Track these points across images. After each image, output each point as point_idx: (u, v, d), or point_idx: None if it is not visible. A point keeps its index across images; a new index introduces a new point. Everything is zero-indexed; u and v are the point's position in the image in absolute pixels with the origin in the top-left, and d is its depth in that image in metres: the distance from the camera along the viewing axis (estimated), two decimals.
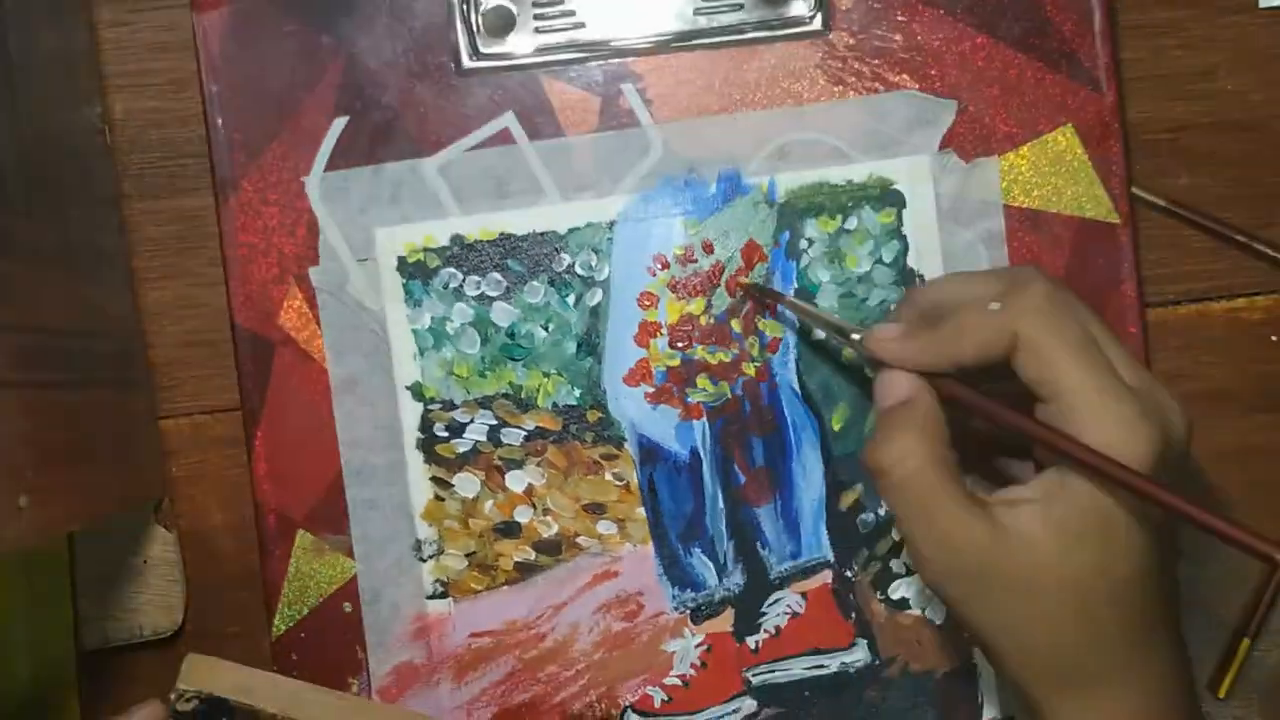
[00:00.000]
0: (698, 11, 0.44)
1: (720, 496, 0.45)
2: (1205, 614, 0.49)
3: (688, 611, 0.45)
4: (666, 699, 0.45)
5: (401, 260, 0.44)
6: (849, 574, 0.45)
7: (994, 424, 0.35)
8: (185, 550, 0.49)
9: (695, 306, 0.45)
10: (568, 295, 0.45)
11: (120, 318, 0.48)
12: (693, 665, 0.45)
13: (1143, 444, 0.33)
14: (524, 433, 0.45)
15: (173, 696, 0.43)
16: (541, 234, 0.45)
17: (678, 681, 0.45)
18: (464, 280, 0.45)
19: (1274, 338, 0.49)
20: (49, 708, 0.49)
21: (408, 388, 0.45)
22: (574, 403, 0.45)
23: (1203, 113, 0.48)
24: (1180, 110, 0.48)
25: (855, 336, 0.38)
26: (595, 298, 0.45)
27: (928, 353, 0.36)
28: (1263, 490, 0.49)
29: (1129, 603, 0.34)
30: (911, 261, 0.45)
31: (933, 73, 0.44)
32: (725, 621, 0.45)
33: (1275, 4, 0.47)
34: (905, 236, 0.45)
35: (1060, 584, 0.34)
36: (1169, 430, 0.34)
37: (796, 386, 0.45)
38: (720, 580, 0.45)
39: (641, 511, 0.45)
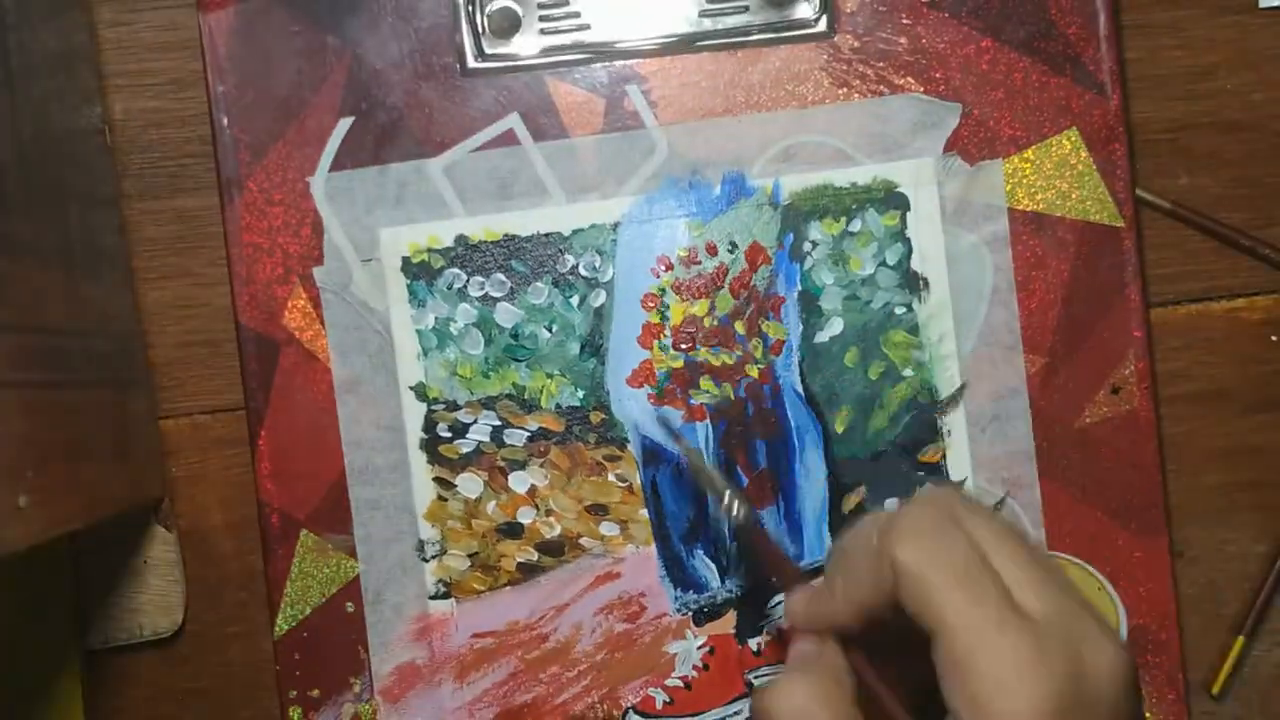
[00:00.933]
0: (703, 14, 0.44)
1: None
2: (1202, 612, 0.49)
3: (690, 613, 0.45)
4: (668, 700, 0.45)
5: (406, 261, 0.44)
6: None
7: (885, 707, 0.33)
8: (185, 550, 0.49)
9: (699, 308, 0.45)
10: (571, 296, 0.45)
11: (120, 318, 0.48)
12: (695, 667, 0.45)
13: (1041, 684, 0.29)
14: (527, 433, 0.45)
15: None
16: (546, 235, 0.45)
17: (679, 683, 0.45)
18: (468, 281, 0.45)
19: (1274, 338, 0.49)
20: (53, 707, 0.50)
21: (411, 388, 0.45)
22: (577, 404, 0.45)
23: (1202, 113, 0.48)
24: (1180, 110, 0.48)
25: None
26: (599, 299, 0.45)
27: (829, 609, 0.34)
28: (1262, 489, 0.49)
29: None
30: (915, 264, 0.45)
31: (937, 76, 0.44)
32: (727, 624, 0.45)
33: (1275, 4, 0.47)
34: (909, 239, 0.45)
35: None
36: (1082, 669, 0.30)
37: (800, 389, 0.45)
38: (723, 582, 0.45)
39: (644, 513, 0.45)
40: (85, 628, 0.49)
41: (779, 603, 0.45)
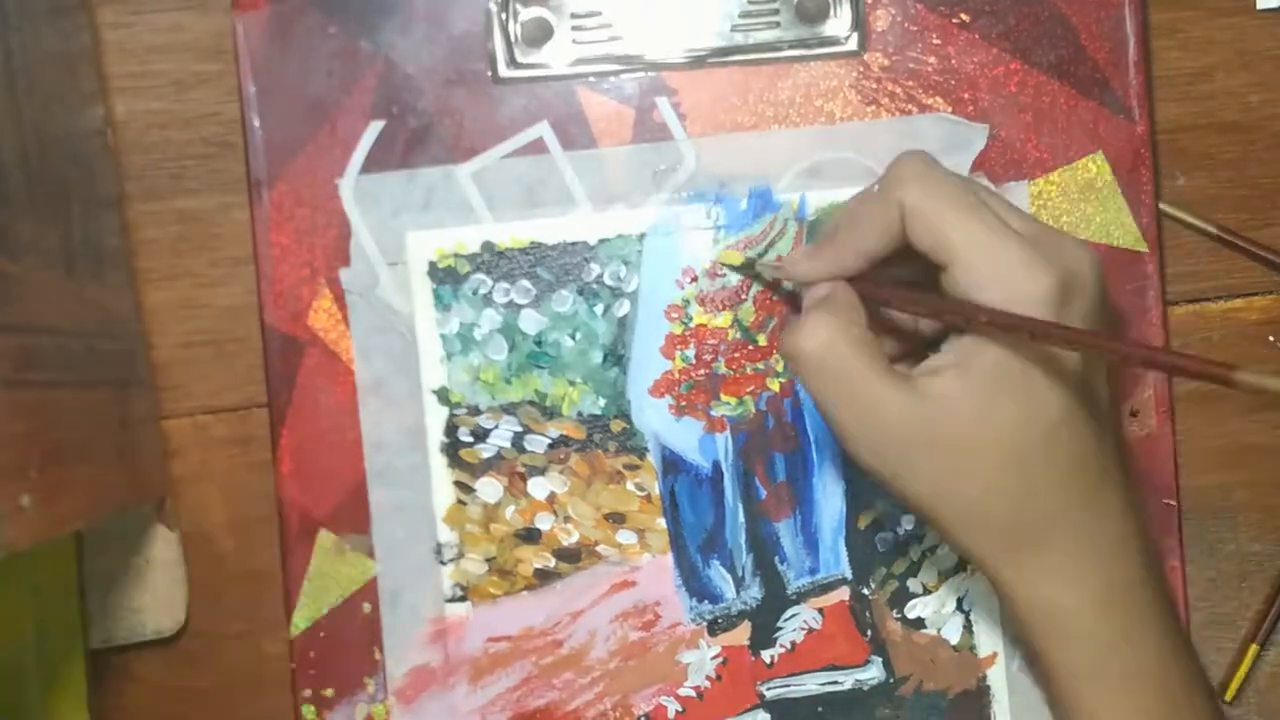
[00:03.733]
0: (734, 28, 0.44)
1: (740, 510, 0.45)
2: (1199, 611, 0.49)
3: (704, 623, 0.45)
4: (680, 710, 0.45)
5: (432, 265, 0.45)
6: (866, 591, 0.45)
7: (906, 311, 0.38)
8: (187, 550, 0.49)
9: (722, 320, 0.45)
10: (596, 305, 0.45)
11: (122, 318, 0.48)
12: (708, 677, 0.45)
13: (1041, 281, 0.33)
14: (548, 440, 0.45)
15: None
16: (572, 244, 0.45)
17: (692, 693, 0.45)
18: (493, 287, 0.45)
19: (1271, 338, 0.49)
20: (57, 707, 0.50)
21: (434, 391, 0.45)
22: (598, 412, 0.45)
23: (1200, 114, 0.48)
24: (1177, 111, 0.48)
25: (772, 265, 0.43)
26: (623, 308, 0.45)
27: (834, 258, 0.38)
28: (1260, 489, 0.49)
29: (1059, 453, 0.35)
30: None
31: (965, 96, 0.45)
32: (741, 634, 0.45)
33: (1273, 6, 0.47)
34: None
35: (986, 441, 0.34)
36: (1069, 266, 0.35)
37: None
38: (738, 593, 0.45)
39: (662, 522, 0.45)
40: (88, 627, 0.49)
41: (793, 615, 0.45)
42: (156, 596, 0.50)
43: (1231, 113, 0.48)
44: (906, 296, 0.37)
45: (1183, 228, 0.47)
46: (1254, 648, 0.48)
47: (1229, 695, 0.48)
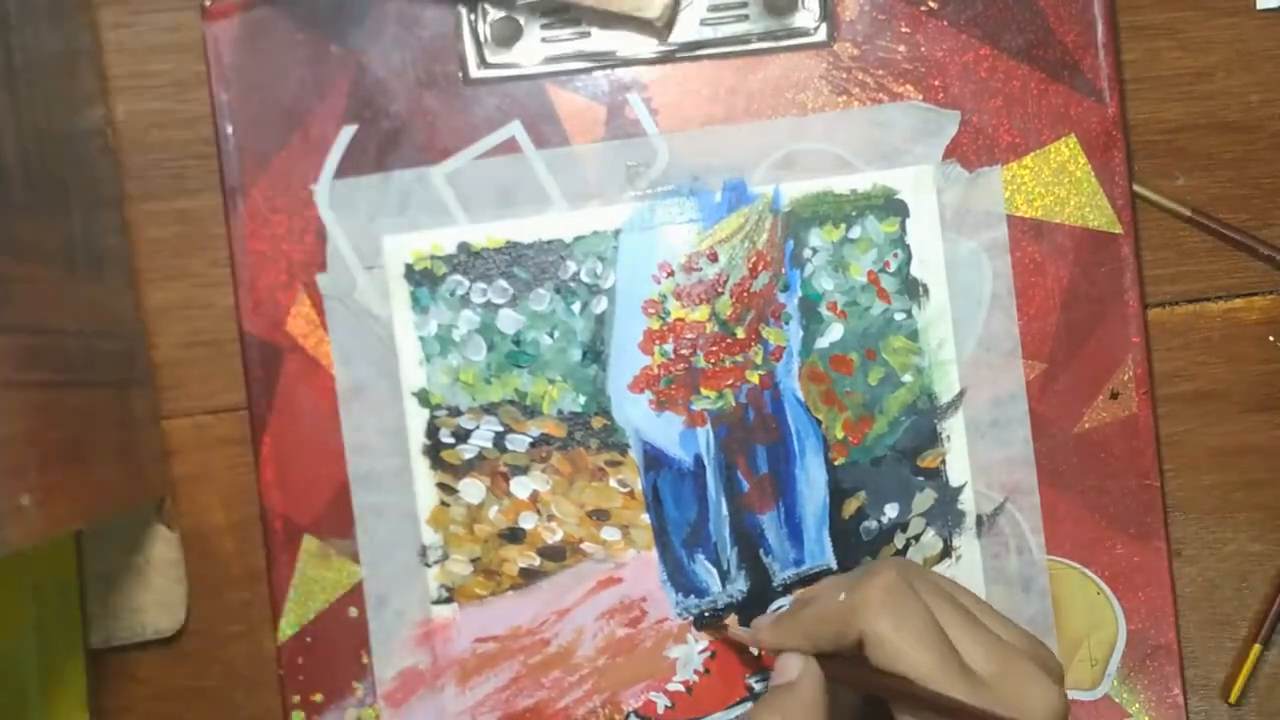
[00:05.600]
0: (704, 22, 0.45)
1: (724, 503, 0.45)
2: (1199, 610, 0.49)
3: (691, 618, 0.45)
4: (670, 705, 0.45)
5: (409, 268, 0.45)
6: None
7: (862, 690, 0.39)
8: (187, 550, 0.49)
9: (700, 314, 0.45)
10: (573, 303, 0.45)
11: (123, 318, 0.48)
12: (696, 671, 0.45)
13: None
14: (529, 439, 0.45)
15: None
16: (548, 242, 0.45)
17: (681, 688, 0.45)
18: (470, 287, 0.45)
19: (1271, 338, 0.49)
20: (57, 706, 0.50)
21: (414, 394, 0.45)
22: (579, 409, 0.45)
23: (1200, 114, 0.48)
24: (1177, 111, 0.48)
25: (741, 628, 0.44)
26: (600, 305, 0.45)
27: (792, 637, 0.39)
28: (1259, 489, 0.49)
29: None
30: (915, 270, 0.45)
31: (936, 84, 0.45)
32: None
33: (1273, 5, 0.48)
34: (909, 245, 0.45)
35: None
36: (1026, 713, 0.35)
37: (800, 394, 0.45)
38: (724, 587, 0.45)
39: (645, 518, 0.45)
40: (88, 627, 0.50)
41: (780, 607, 0.45)
42: (156, 596, 0.50)
43: (1231, 113, 0.48)
44: (866, 679, 0.38)
45: (1183, 226, 0.48)
46: (1256, 648, 0.48)
47: (1234, 696, 0.48)
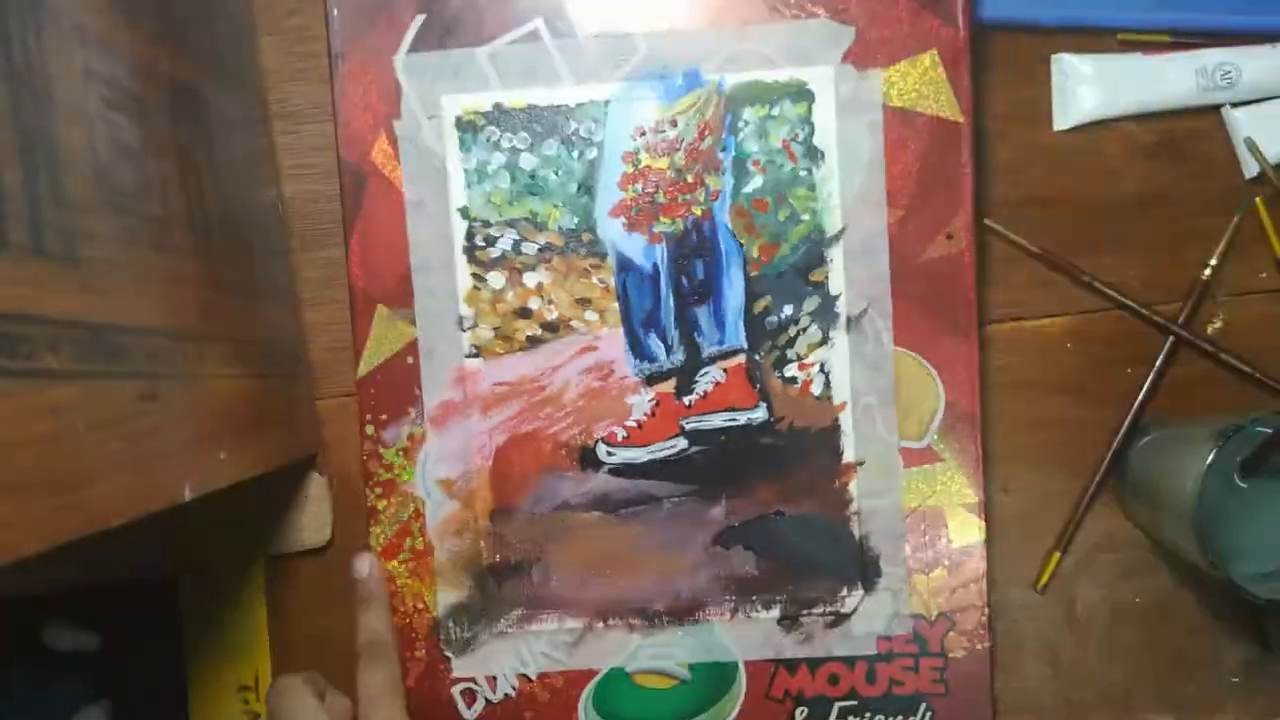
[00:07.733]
0: None
1: (671, 298, 0.61)
2: (1019, 528, 0.66)
3: (644, 376, 0.63)
4: (625, 435, 0.62)
5: (459, 119, 0.61)
6: (757, 357, 0.62)
7: None
8: (332, 490, 0.63)
9: (662, 164, 0.62)
10: (573, 151, 0.62)
11: (289, 331, 0.60)
12: (645, 414, 0.62)
13: None
14: (537, 246, 0.62)
15: None
16: (557, 106, 0.61)
17: (634, 424, 0.62)
18: (501, 136, 0.62)
19: (1068, 345, 0.66)
20: (246, 595, 0.63)
21: (458, 209, 0.61)
22: (573, 227, 0.62)
23: (1024, 194, 0.64)
24: (1021, 191, 0.65)
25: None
26: (592, 154, 0.61)
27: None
28: (1062, 447, 0.66)
29: None
30: (816, 141, 0.61)
31: (840, 6, 0.61)
32: (669, 385, 0.61)
33: (1066, 127, 0.64)
34: (813, 123, 0.60)
35: None
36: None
37: (729, 225, 0.63)
38: (668, 356, 0.62)
39: (616, 306, 0.61)
40: (267, 541, 0.62)
41: (705, 373, 0.63)
42: (312, 520, 0.62)
43: (1049, 191, 0.64)
44: None
45: (1015, 265, 0.64)
46: (1056, 555, 0.65)
47: (1040, 583, 0.66)
